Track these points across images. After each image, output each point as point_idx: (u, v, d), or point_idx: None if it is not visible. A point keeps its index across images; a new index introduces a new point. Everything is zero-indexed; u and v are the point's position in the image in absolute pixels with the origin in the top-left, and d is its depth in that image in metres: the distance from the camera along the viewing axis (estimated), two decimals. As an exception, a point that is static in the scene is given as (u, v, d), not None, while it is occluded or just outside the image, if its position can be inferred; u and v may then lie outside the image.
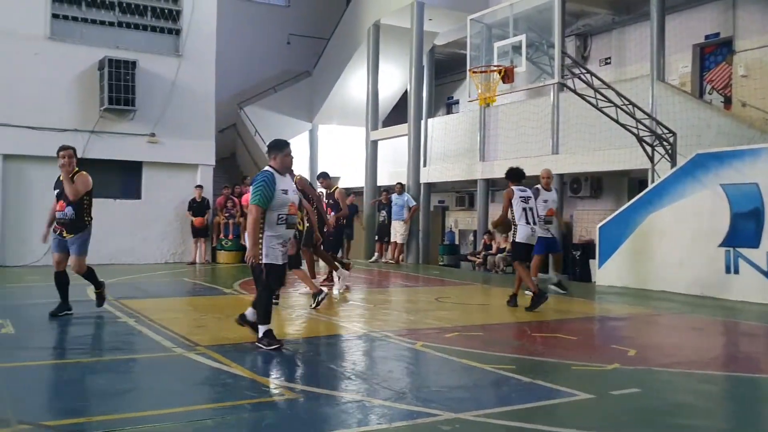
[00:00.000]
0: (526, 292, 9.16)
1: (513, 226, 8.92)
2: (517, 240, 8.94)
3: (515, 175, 9.16)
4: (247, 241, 6.02)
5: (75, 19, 15.37)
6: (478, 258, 16.59)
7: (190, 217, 15.90)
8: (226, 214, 16.18)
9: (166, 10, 16.29)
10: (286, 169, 6.24)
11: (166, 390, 4.86)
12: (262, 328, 6.02)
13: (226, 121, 20.29)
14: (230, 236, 16.07)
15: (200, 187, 16.06)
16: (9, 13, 14.43)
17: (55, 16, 15.06)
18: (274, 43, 22.12)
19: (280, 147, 6.24)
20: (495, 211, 17.57)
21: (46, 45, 14.85)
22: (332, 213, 11.02)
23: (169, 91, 15.96)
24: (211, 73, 16.62)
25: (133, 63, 15.05)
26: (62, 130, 14.78)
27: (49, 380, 5.23)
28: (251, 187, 6.06)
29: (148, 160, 15.93)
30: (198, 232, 15.90)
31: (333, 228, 11.10)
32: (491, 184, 17.24)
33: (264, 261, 5.92)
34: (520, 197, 8.96)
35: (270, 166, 6.17)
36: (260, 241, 5.91)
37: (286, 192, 6.06)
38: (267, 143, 6.98)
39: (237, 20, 20.81)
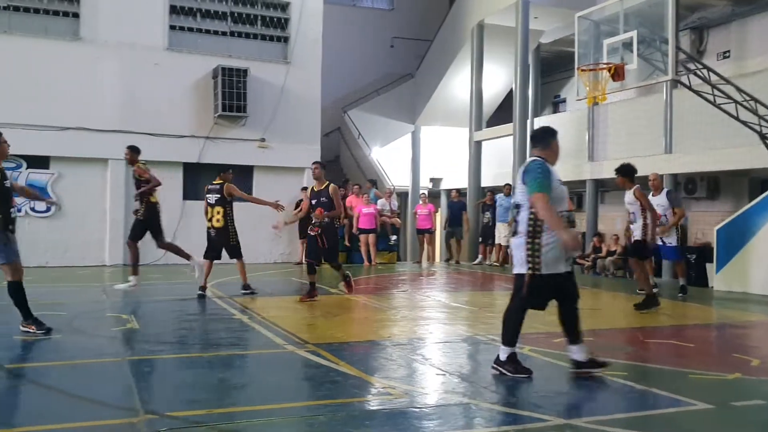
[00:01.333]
0: (639, 291, 8.93)
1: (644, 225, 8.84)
2: (640, 238, 8.85)
3: (633, 173, 8.93)
4: (541, 238, 5.04)
5: (191, 29, 16.19)
6: (588, 261, 16.12)
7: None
8: (331, 216, 16.49)
9: (275, 19, 16.88)
10: (557, 159, 5.36)
11: (279, 385, 5.03)
12: (505, 350, 5.20)
13: (331, 125, 20.74)
14: (335, 237, 16.36)
15: (306, 189, 16.46)
16: (131, 27, 15.37)
17: (172, 27, 15.92)
18: (378, 46, 22.40)
19: (553, 134, 5.37)
20: (604, 213, 17.07)
21: (165, 55, 15.73)
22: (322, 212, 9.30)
23: (278, 97, 16.51)
24: (317, 79, 17.06)
25: (245, 71, 15.67)
26: (179, 137, 15.62)
27: (171, 373, 5.53)
28: (526, 177, 5.12)
29: (258, 164, 16.55)
30: (305, 234, 16.28)
31: (318, 230, 9.45)
32: (600, 185, 16.71)
33: (542, 271, 5.03)
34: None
35: (538, 156, 5.25)
36: (537, 245, 5.03)
37: (562, 183, 5.25)
38: (531, 133, 5.94)
39: (342, 25, 21.22)
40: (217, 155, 15.92)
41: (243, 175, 16.57)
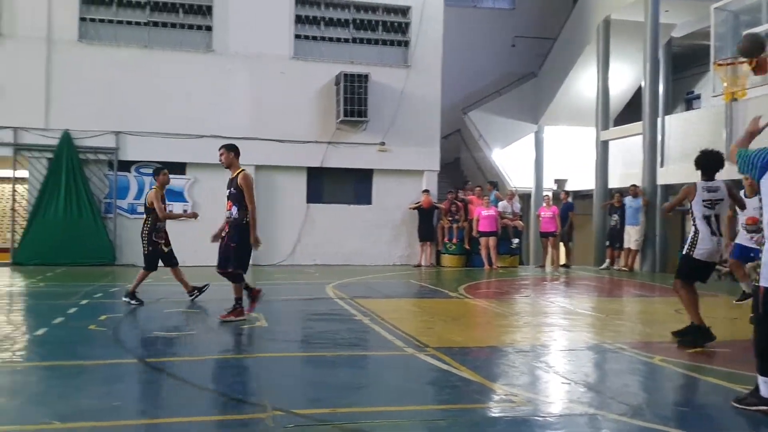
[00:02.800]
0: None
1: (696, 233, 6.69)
2: (692, 254, 6.64)
3: (708, 165, 6.79)
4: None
5: (314, 38, 16.68)
6: (725, 267, 15.10)
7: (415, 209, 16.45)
8: (450, 218, 16.46)
9: (395, 24, 17.07)
10: None
11: (400, 388, 5.06)
12: (766, 382, 4.32)
13: (450, 127, 20.68)
14: (454, 240, 16.33)
15: (427, 191, 16.52)
16: (259, 38, 16.02)
17: (297, 36, 16.45)
18: (499, 46, 22.11)
19: None
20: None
21: (290, 64, 16.28)
22: (233, 209, 7.60)
23: (398, 101, 16.67)
24: (437, 81, 17.08)
25: (366, 76, 15.95)
26: (304, 142, 16.12)
27: (297, 370, 5.71)
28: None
29: (378, 167, 16.79)
30: (424, 236, 16.37)
31: (229, 233, 7.65)
32: (739, 186, 15.62)
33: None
34: (705, 200, 6.68)
35: None
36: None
37: None
38: None
39: (462, 27, 21.13)
40: (338, 159, 16.33)
41: (363, 178, 16.89)
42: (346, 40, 16.82)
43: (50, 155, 14.80)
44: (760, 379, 4.29)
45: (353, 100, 15.84)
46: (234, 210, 7.57)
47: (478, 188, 16.92)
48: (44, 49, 14.77)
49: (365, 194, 16.98)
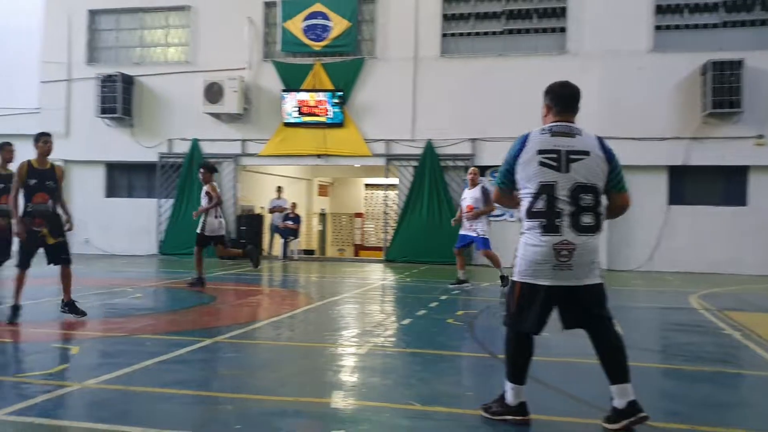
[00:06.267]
0: None
1: None
2: None
3: None
4: None
5: (677, 27, 15.50)
6: None
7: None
8: None
9: (772, 0, 14.98)
10: None
11: (778, 414, 4.38)
12: (514, 389, 3.94)
13: None
14: None
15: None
16: (615, 34, 15.44)
17: (657, 28, 15.47)
18: None
19: None
20: None
21: (648, 58, 15.35)
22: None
23: (779, 87, 14.58)
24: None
25: (739, 63, 14.29)
26: (661, 139, 15.07)
27: (652, 381, 5.31)
28: None
29: (755, 164, 14.87)
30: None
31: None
32: None
33: None
34: None
35: None
36: None
37: None
38: None
39: None
40: (704, 156, 14.92)
41: (735, 176, 15.14)
42: (715, 26, 15.28)
43: (415, 163, 16.27)
44: (507, 385, 3.89)
45: (723, 90, 14.32)
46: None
47: None
48: (411, 67, 16.30)
49: (738, 194, 15.18)
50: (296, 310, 8.60)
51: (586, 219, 3.68)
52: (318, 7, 16.81)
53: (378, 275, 13.71)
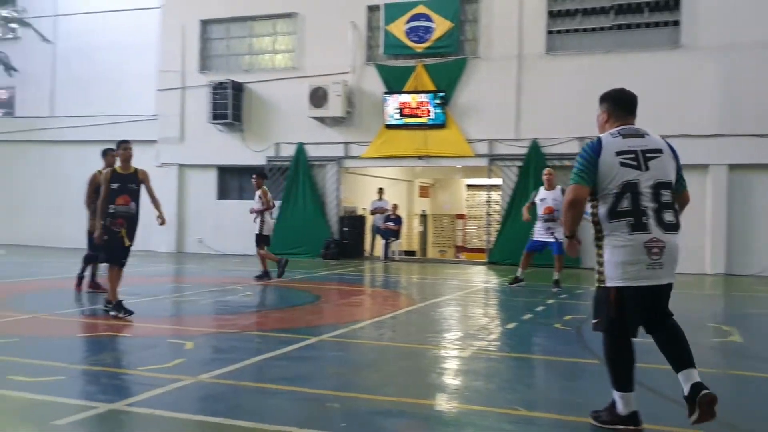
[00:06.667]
0: None
1: None
2: None
3: None
4: None
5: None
6: None
7: None
8: None
9: None
10: None
11: None
12: (623, 397, 3.80)
13: None
14: None
15: None
16: (733, 27, 14.45)
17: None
18: None
19: None
20: None
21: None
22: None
23: None
24: None
25: None
26: (788, 136, 14.09)
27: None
28: None
29: None
30: None
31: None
32: None
33: None
34: None
35: None
36: None
37: None
38: None
39: None
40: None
41: None
42: None
43: (519, 163, 15.97)
44: (616, 395, 3.75)
45: None
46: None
47: None
48: (515, 65, 16.03)
49: None
50: (398, 311, 8.64)
51: (669, 217, 3.71)
52: (421, 9, 16.84)
53: (481, 277, 13.56)
